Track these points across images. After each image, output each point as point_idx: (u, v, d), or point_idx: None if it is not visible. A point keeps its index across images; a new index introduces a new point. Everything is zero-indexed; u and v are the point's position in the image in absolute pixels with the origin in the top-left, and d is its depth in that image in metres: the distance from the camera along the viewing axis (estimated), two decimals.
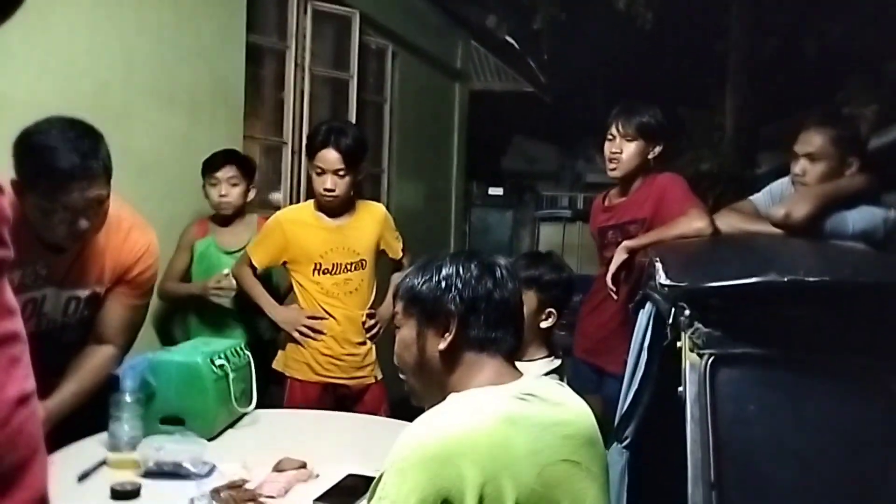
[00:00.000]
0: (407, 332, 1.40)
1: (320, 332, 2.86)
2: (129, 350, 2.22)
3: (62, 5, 2.81)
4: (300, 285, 2.91)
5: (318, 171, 2.81)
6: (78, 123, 1.88)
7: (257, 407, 2.39)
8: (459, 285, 1.35)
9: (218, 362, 2.21)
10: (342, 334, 2.89)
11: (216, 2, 3.70)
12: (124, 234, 2.12)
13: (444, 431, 1.20)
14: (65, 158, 1.79)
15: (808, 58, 9.68)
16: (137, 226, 2.17)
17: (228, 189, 3.10)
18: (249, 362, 2.40)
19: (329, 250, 2.86)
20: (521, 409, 1.26)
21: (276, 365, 2.95)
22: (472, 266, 1.37)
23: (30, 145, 1.82)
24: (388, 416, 2.79)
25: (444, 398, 1.31)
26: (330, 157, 2.78)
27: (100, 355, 2.13)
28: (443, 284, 1.36)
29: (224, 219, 3.17)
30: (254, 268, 2.90)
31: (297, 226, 2.89)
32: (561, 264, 2.36)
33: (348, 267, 2.88)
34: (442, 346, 1.34)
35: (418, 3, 6.09)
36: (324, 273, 2.87)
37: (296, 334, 2.86)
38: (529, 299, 2.15)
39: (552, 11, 9.69)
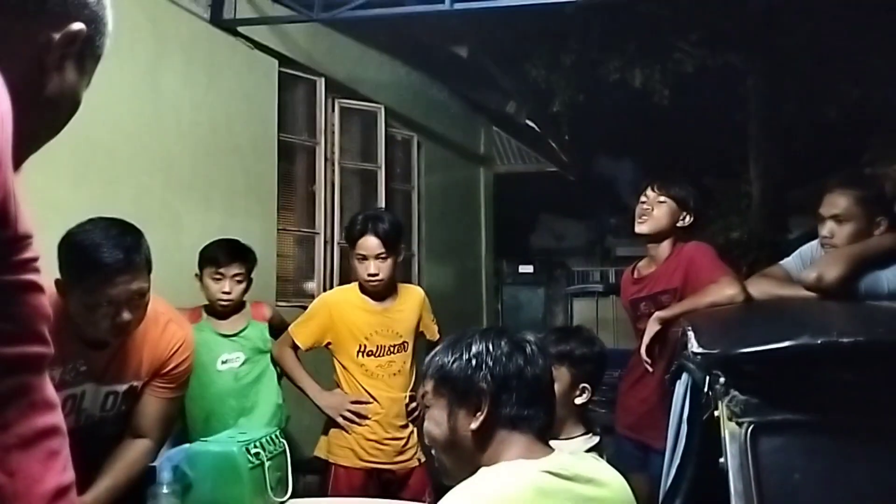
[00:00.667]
0: (437, 412, 1.38)
1: (365, 417, 2.86)
2: (164, 442, 2.24)
3: (105, 114, 2.98)
4: (343, 367, 2.93)
5: (360, 257, 2.89)
6: (118, 222, 1.97)
7: (292, 496, 2.37)
8: (490, 363, 1.34)
9: (254, 451, 2.21)
10: (385, 418, 2.89)
11: (249, 105, 3.89)
12: (161, 328, 2.16)
13: (477, 501, 1.20)
14: (108, 253, 1.86)
15: (829, 121, 9.71)
16: (174, 320, 2.22)
17: (233, 286, 2.94)
18: (285, 450, 2.39)
19: (374, 332, 2.91)
20: (552, 482, 1.25)
21: (319, 452, 2.94)
22: (502, 343, 1.36)
23: (74, 243, 1.90)
24: (432, 500, 2.74)
25: (474, 473, 1.30)
26: (370, 243, 2.87)
27: (136, 449, 2.14)
28: (473, 363, 1.35)
29: (221, 312, 3.00)
30: (295, 348, 2.94)
31: (343, 306, 2.95)
32: (592, 338, 2.34)
33: (392, 349, 2.92)
34: (474, 425, 1.33)
35: (440, 95, 6.31)
36: (368, 355, 2.90)
37: (340, 420, 2.87)
38: (562, 375, 2.14)
39: (569, 94, 9.91)
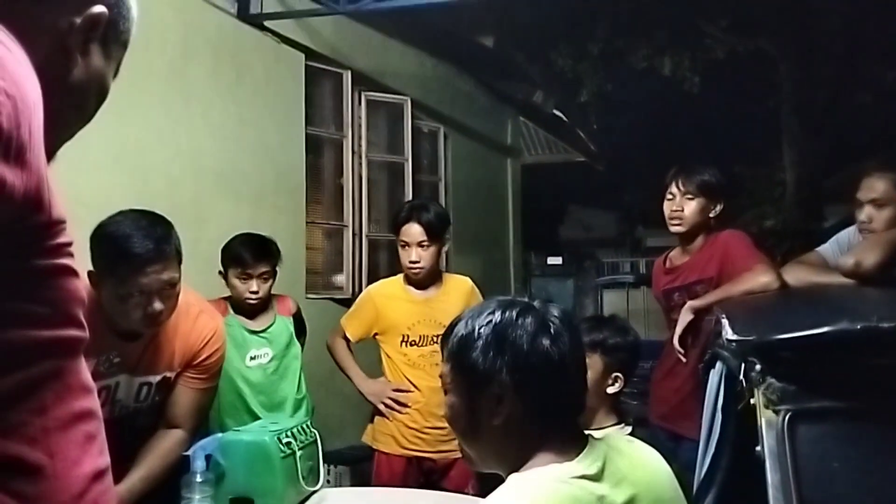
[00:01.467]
0: (457, 400, 1.25)
1: (405, 405, 2.91)
2: (197, 432, 2.27)
3: (135, 110, 3.01)
4: (388, 356, 3.00)
5: (403, 244, 2.94)
6: (148, 213, 1.99)
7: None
8: (513, 348, 1.19)
9: (285, 440, 2.23)
10: (426, 407, 2.92)
11: (276, 99, 3.91)
12: (193, 320, 2.18)
13: None
14: (139, 244, 1.88)
15: (863, 106, 9.51)
16: (206, 311, 2.24)
17: (260, 285, 2.87)
18: (316, 440, 2.40)
19: (416, 322, 2.94)
20: (585, 491, 1.15)
21: (365, 438, 3.02)
22: (528, 322, 1.21)
23: (105, 235, 1.92)
24: (475, 492, 2.74)
25: (501, 467, 1.22)
26: (412, 230, 2.91)
27: (170, 439, 2.16)
28: (494, 347, 1.20)
29: (247, 309, 2.93)
30: (347, 340, 3.01)
31: (386, 299, 3.01)
32: (626, 327, 2.32)
33: (435, 339, 2.93)
34: (497, 421, 1.20)
35: (466, 86, 6.29)
36: (411, 345, 2.95)
37: (381, 406, 2.93)
38: (594, 363, 2.11)
39: (597, 82, 9.83)
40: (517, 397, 1.19)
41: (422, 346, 2.94)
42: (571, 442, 1.23)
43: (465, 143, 6.12)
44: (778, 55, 9.55)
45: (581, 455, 1.20)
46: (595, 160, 11.60)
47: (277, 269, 2.96)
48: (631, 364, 2.24)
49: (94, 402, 0.68)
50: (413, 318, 2.94)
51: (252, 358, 2.94)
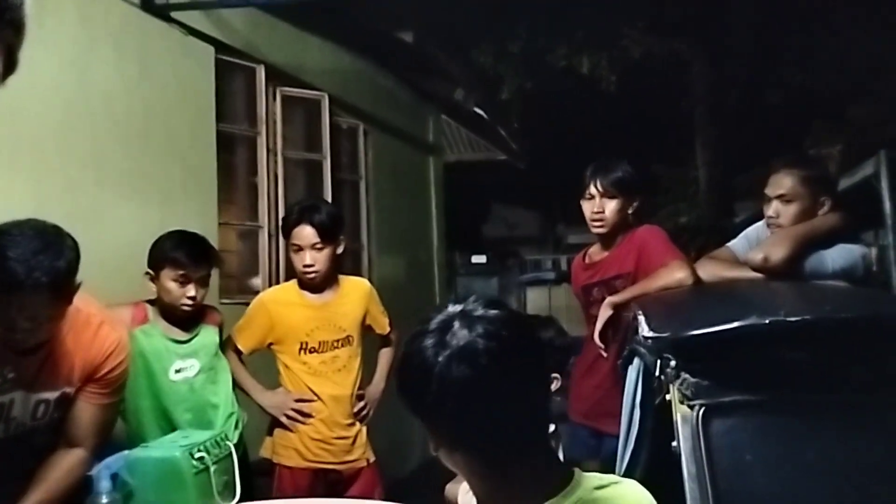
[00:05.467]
0: None
1: (308, 416, 2.80)
2: (100, 451, 2.14)
3: (31, 106, 2.83)
4: (286, 367, 2.88)
5: (296, 248, 2.82)
6: (41, 231, 1.87)
7: (240, 500, 2.29)
8: (426, 375, 1.06)
9: (198, 455, 2.13)
10: (331, 417, 2.83)
11: (185, 94, 3.75)
12: (93, 331, 2.08)
13: None
14: (13, 270, 1.78)
15: (772, 107, 9.93)
16: (107, 322, 2.14)
17: (199, 290, 2.65)
18: (231, 453, 2.31)
19: (315, 328, 2.84)
20: None
21: (265, 452, 2.88)
22: (428, 348, 1.07)
23: None
24: (381, 500, 2.69)
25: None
26: (304, 232, 2.80)
27: (70, 459, 2.06)
28: (414, 377, 1.09)
29: (178, 316, 2.70)
30: (238, 352, 2.85)
31: (281, 306, 2.88)
32: (562, 329, 2.33)
33: (335, 344, 2.85)
34: (432, 451, 1.12)
35: (386, 82, 6.22)
36: (311, 352, 2.84)
37: (284, 419, 2.81)
38: None
39: (518, 81, 9.95)
40: (434, 429, 1.09)
41: (322, 352, 2.84)
42: (543, 476, 1.09)
43: (386, 140, 6.05)
44: (691, 57, 9.87)
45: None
46: (516, 158, 11.71)
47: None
48: (566, 365, 2.26)
49: None
50: (311, 324, 2.83)
51: (177, 371, 2.67)
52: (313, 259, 2.79)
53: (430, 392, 1.05)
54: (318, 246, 2.80)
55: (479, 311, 1.09)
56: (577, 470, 1.14)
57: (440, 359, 1.05)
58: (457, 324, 1.07)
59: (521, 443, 1.08)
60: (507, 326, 1.08)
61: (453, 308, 1.11)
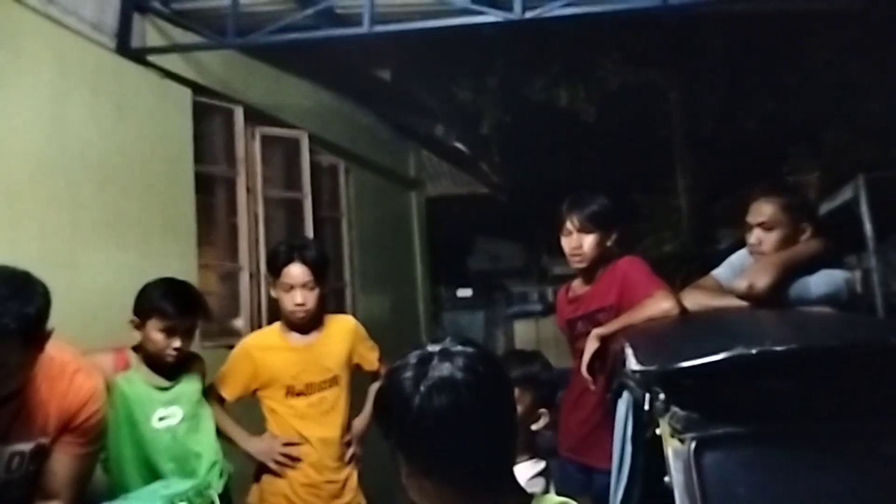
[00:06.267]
0: None
1: (297, 459, 2.74)
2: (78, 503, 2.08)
3: (3, 152, 2.80)
4: (272, 411, 2.82)
5: (287, 287, 2.77)
6: (13, 277, 1.83)
7: None
8: (398, 410, 1.13)
9: None
10: (320, 460, 2.78)
11: (162, 136, 3.73)
12: (69, 380, 2.04)
13: None
14: None
15: (748, 133, 10.07)
16: (82, 369, 2.10)
17: (185, 341, 2.60)
18: (213, 502, 2.25)
19: (301, 371, 2.79)
20: None
21: (251, 499, 2.81)
22: (407, 380, 1.14)
23: None
24: None
25: None
26: (296, 271, 2.76)
27: None
28: (388, 409, 1.17)
29: (160, 364, 2.64)
30: (221, 400, 2.80)
31: (264, 351, 2.83)
32: (548, 363, 2.31)
33: (322, 385, 2.80)
34: (405, 480, 1.17)
35: (365, 119, 6.24)
36: (297, 395, 2.78)
37: (273, 465, 2.74)
38: (524, 399, 2.09)
39: (496, 115, 10.05)
40: (406, 459, 1.14)
41: (309, 395, 2.78)
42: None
43: (367, 177, 6.05)
44: (667, 86, 10.02)
45: None
46: (498, 191, 11.79)
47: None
48: (554, 400, 2.23)
49: None
50: (296, 367, 2.78)
51: (160, 419, 2.60)
52: (304, 298, 2.75)
53: (409, 420, 1.11)
54: (310, 285, 2.76)
55: (457, 348, 1.17)
56: (535, 495, 1.20)
57: (421, 388, 1.11)
58: (436, 358, 1.15)
59: (490, 473, 1.14)
60: (483, 362, 1.16)
61: (432, 347, 1.18)
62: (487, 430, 1.13)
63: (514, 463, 1.22)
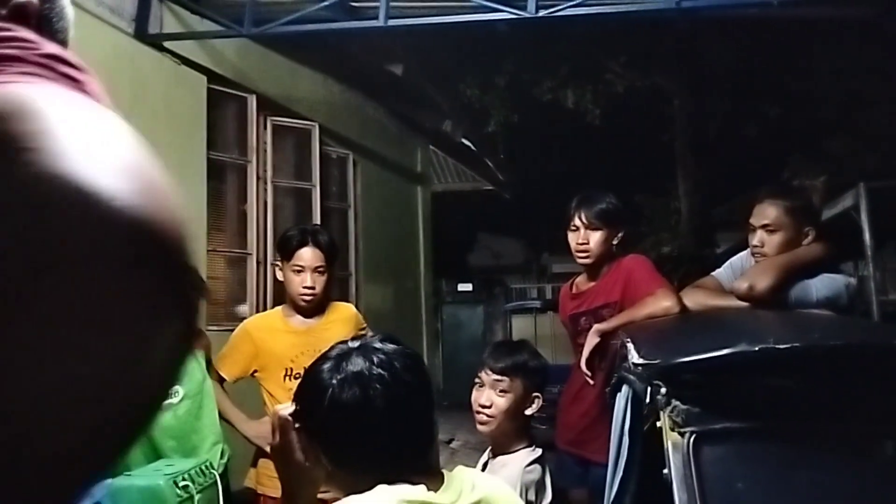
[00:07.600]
0: None
1: None
2: None
3: None
4: (270, 394, 2.82)
5: (298, 269, 2.79)
6: None
7: None
8: (311, 400, 1.19)
9: (182, 483, 2.11)
10: None
11: (176, 122, 3.77)
12: None
13: None
14: None
15: (750, 139, 10.09)
16: None
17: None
18: (216, 481, 2.28)
19: (299, 354, 2.80)
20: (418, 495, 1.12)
21: (249, 482, 2.82)
22: (338, 376, 1.17)
23: None
24: None
25: None
26: (310, 254, 2.79)
27: None
28: (300, 397, 1.23)
29: None
30: (221, 380, 2.82)
31: (265, 332, 2.85)
32: (537, 351, 2.35)
33: None
34: (310, 463, 1.24)
35: (375, 113, 6.28)
36: (295, 378, 2.79)
37: (269, 448, 2.76)
38: (516, 387, 2.14)
39: (504, 113, 10.05)
40: (321, 449, 1.18)
41: None
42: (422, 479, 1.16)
43: (374, 170, 6.08)
44: (672, 91, 10.04)
45: (441, 487, 1.16)
46: (502, 188, 11.81)
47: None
48: (543, 386, 2.27)
49: None
50: (295, 350, 2.79)
51: None
52: (314, 281, 2.78)
53: (323, 412, 1.15)
54: (321, 268, 2.80)
55: (377, 345, 1.20)
56: (444, 472, 1.22)
57: (334, 381, 1.15)
58: (354, 353, 1.19)
59: (402, 466, 1.15)
60: (401, 359, 1.19)
61: (353, 343, 1.22)
62: (399, 425, 1.15)
63: (429, 457, 1.25)
